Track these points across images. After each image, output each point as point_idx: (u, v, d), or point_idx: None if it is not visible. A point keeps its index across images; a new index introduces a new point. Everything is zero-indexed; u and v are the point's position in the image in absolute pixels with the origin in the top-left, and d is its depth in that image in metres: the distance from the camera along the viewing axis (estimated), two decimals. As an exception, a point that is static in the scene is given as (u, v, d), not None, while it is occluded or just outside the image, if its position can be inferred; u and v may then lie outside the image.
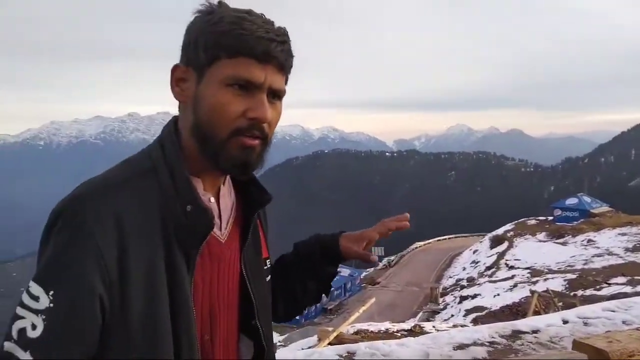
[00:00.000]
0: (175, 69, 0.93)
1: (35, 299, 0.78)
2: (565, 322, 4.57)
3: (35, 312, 0.77)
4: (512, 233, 36.69)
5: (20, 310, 0.78)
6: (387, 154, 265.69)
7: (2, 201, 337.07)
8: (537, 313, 12.00)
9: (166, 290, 0.85)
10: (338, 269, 1.30)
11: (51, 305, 0.77)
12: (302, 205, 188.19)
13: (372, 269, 42.78)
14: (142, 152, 0.95)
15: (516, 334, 4.28)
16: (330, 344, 8.15)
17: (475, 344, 4.05)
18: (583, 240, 28.57)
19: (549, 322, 4.54)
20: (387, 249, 49.98)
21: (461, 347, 3.98)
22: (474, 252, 38.16)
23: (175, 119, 0.98)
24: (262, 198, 1.05)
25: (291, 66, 0.94)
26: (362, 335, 9.28)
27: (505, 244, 33.67)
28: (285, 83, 0.94)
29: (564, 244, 29.34)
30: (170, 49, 1.01)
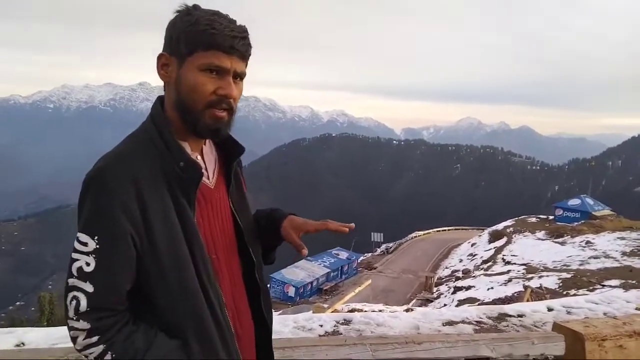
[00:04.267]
0: (160, 57, 1.22)
1: (84, 244, 1.07)
2: (550, 309, 4.82)
3: (87, 253, 1.07)
4: (511, 229, 36.82)
5: (74, 255, 1.08)
6: (394, 141, 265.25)
7: (8, 161, 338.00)
8: (528, 306, 12.25)
9: (179, 225, 1.15)
10: (279, 243, 1.49)
11: (98, 246, 1.07)
12: (305, 186, 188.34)
13: (370, 254, 43.22)
14: (141, 127, 1.24)
15: (502, 316, 4.54)
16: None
17: (463, 321, 4.31)
18: (581, 242, 28.65)
19: (534, 309, 4.81)
20: (387, 235, 50.39)
21: (450, 323, 4.24)
22: (472, 245, 38.37)
23: (160, 98, 1.27)
24: (237, 150, 1.36)
25: (250, 54, 1.23)
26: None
27: (504, 240, 33.85)
28: (245, 66, 1.24)
29: (562, 243, 29.46)
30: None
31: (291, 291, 28.68)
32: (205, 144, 1.32)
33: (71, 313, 1.07)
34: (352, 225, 1.35)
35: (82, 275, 1.06)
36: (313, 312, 10.66)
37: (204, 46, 1.15)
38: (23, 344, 3.17)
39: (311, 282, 30.14)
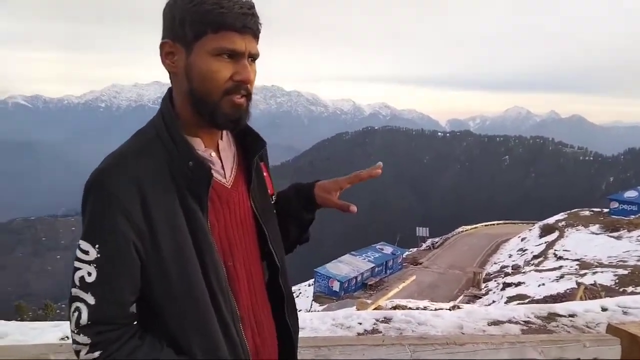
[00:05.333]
0: (163, 45, 1.10)
1: (86, 253, 1.01)
2: (604, 309, 4.57)
3: (88, 262, 1.01)
4: (563, 223, 35.48)
5: (77, 264, 1.02)
6: (439, 133, 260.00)
7: (66, 159, 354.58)
8: (581, 304, 11.75)
9: (187, 230, 1.06)
10: (314, 216, 1.42)
11: (99, 255, 1.01)
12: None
13: (415, 249, 42.69)
14: (149, 122, 1.15)
15: (552, 316, 4.33)
16: (368, 314, 8.36)
17: (510, 321, 4.14)
18: (639, 236, 27.34)
19: (587, 308, 4.56)
20: (432, 230, 49.63)
21: (495, 323, 4.08)
22: (522, 239, 37.24)
23: (170, 91, 1.16)
24: (258, 144, 1.24)
25: (260, 32, 1.12)
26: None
27: (556, 234, 32.66)
28: (257, 45, 1.13)
29: (618, 238, 28.13)
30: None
31: (336, 286, 28.67)
32: (221, 138, 1.21)
33: (72, 326, 1.02)
34: (380, 163, 1.31)
35: (83, 285, 1.01)
36: (357, 308, 10.59)
37: (213, 28, 1.04)
38: (67, 337, 3.26)
39: (356, 277, 30.01)
